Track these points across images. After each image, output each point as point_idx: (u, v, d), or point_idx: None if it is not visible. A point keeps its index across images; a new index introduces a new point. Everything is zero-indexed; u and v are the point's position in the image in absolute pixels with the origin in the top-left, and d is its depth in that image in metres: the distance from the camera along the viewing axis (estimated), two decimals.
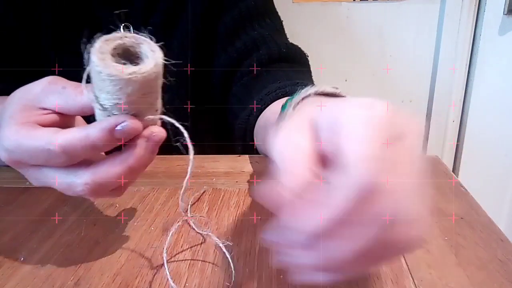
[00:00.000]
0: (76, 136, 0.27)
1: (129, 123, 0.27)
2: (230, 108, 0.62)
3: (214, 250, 0.34)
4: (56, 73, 0.32)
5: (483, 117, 1.20)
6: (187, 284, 0.30)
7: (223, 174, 0.48)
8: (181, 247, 0.34)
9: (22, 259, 0.34)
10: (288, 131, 0.25)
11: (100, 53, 0.25)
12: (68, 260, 0.33)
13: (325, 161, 0.23)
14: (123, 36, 0.26)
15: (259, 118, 0.53)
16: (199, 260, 0.33)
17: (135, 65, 0.26)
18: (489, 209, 0.39)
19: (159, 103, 0.29)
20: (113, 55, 0.26)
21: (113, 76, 0.25)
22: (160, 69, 0.27)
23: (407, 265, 0.31)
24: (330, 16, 1.16)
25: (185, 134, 0.28)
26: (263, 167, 0.49)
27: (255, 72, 0.60)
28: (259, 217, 0.38)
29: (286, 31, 0.68)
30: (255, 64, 0.60)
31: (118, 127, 0.27)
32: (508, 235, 0.35)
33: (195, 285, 0.30)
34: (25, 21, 0.56)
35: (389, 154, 0.21)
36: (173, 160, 0.51)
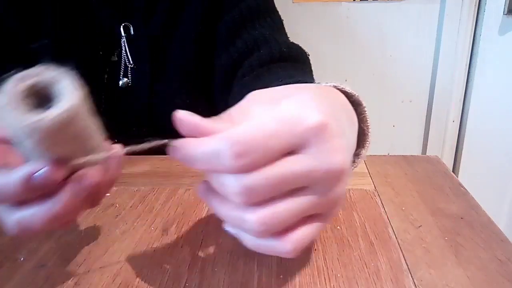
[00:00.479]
0: None
1: (45, 171, 0.24)
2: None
3: (214, 250, 0.34)
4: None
5: (483, 117, 1.20)
6: (187, 284, 0.30)
7: None
8: (181, 247, 0.34)
9: (22, 259, 0.34)
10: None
11: (9, 94, 0.22)
12: (68, 260, 0.33)
13: None
14: (40, 73, 0.24)
15: None
16: (199, 260, 0.33)
17: (49, 107, 0.23)
18: (489, 209, 0.39)
19: (93, 143, 0.26)
20: (27, 96, 0.23)
21: (15, 124, 0.22)
22: (79, 110, 0.24)
23: (407, 265, 0.31)
24: (330, 16, 1.16)
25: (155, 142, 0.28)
26: None
27: (255, 72, 0.60)
28: None
29: (287, 31, 0.68)
30: (256, 64, 0.60)
31: (36, 175, 0.25)
32: (508, 235, 0.35)
33: (195, 285, 0.30)
34: (26, 22, 0.56)
35: (265, 149, 0.23)
36: (173, 160, 0.51)
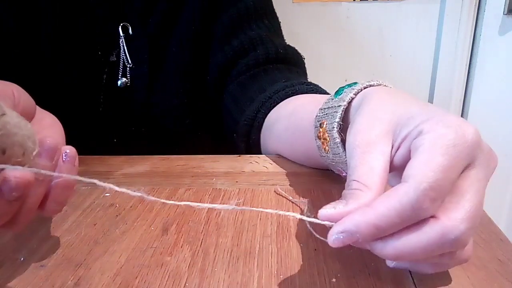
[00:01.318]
0: None
1: None
2: (226, 106, 0.62)
3: (214, 250, 0.34)
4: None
5: (483, 117, 1.20)
6: (187, 284, 0.30)
7: (223, 174, 0.48)
8: (181, 247, 0.34)
9: (22, 259, 0.34)
10: (369, 138, 0.27)
11: None
12: (68, 260, 0.33)
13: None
14: None
15: (268, 115, 0.53)
16: (199, 260, 0.33)
17: None
18: (489, 209, 0.39)
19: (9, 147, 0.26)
20: None
21: None
22: None
23: None
24: (330, 16, 1.16)
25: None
26: (262, 167, 0.49)
27: (252, 72, 0.60)
28: (259, 217, 0.38)
29: (286, 31, 0.68)
30: (252, 63, 0.60)
31: None
32: (508, 235, 0.35)
33: (195, 285, 0.30)
34: (25, 22, 0.56)
35: (450, 182, 0.23)
36: (173, 160, 0.51)
